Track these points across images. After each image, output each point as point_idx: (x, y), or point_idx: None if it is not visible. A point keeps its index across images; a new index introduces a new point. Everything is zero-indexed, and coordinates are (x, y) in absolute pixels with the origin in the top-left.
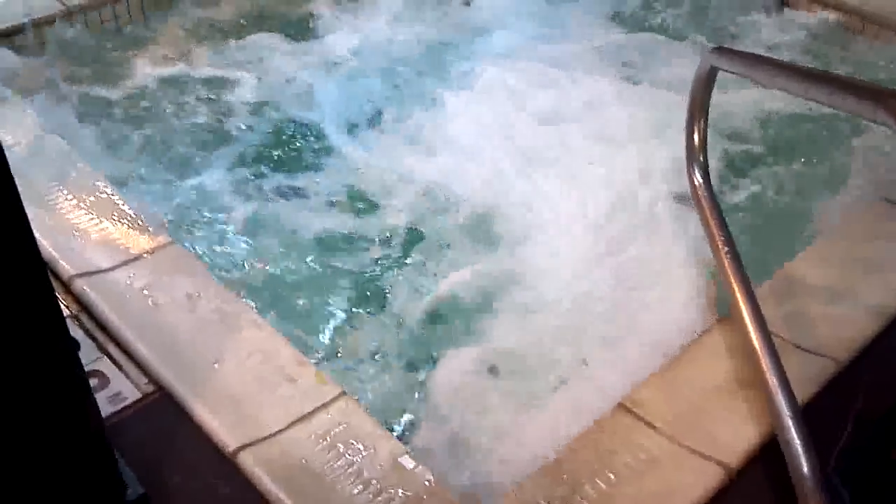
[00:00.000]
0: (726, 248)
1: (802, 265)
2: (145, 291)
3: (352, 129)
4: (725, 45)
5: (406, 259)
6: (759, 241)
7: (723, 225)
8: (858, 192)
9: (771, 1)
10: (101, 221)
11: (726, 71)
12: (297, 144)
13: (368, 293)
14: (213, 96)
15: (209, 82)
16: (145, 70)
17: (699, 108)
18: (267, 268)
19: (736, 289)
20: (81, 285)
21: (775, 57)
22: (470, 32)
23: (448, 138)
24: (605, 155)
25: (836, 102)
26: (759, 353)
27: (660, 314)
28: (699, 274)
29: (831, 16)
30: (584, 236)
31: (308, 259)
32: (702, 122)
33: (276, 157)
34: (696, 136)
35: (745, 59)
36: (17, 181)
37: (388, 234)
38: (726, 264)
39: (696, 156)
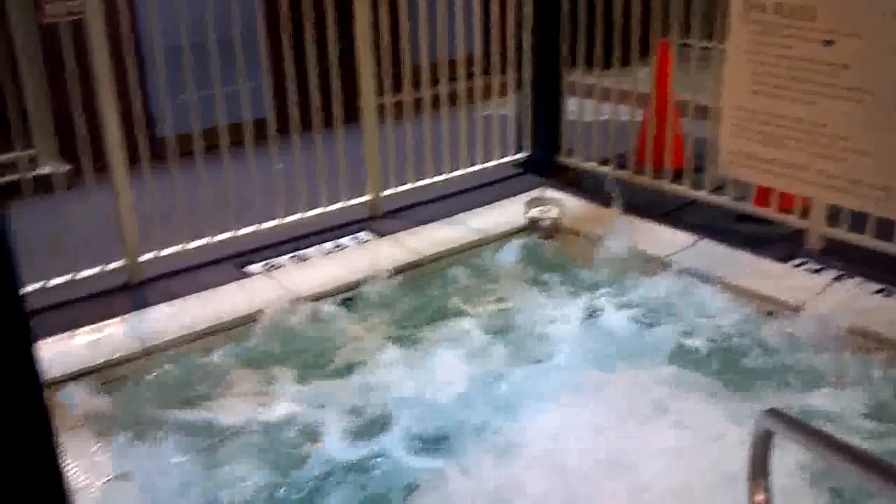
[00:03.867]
0: None
1: None
2: None
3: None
4: (781, 409)
5: None
6: None
7: None
8: None
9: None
10: None
11: (781, 436)
12: None
13: None
14: (294, 438)
15: (272, 412)
16: (216, 402)
17: (760, 469)
18: None
19: None
20: None
21: (833, 434)
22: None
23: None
24: None
25: None
26: None
27: None
28: None
29: None
30: None
31: None
32: (763, 483)
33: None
34: (759, 498)
35: (801, 428)
36: None
37: None
38: None
39: None
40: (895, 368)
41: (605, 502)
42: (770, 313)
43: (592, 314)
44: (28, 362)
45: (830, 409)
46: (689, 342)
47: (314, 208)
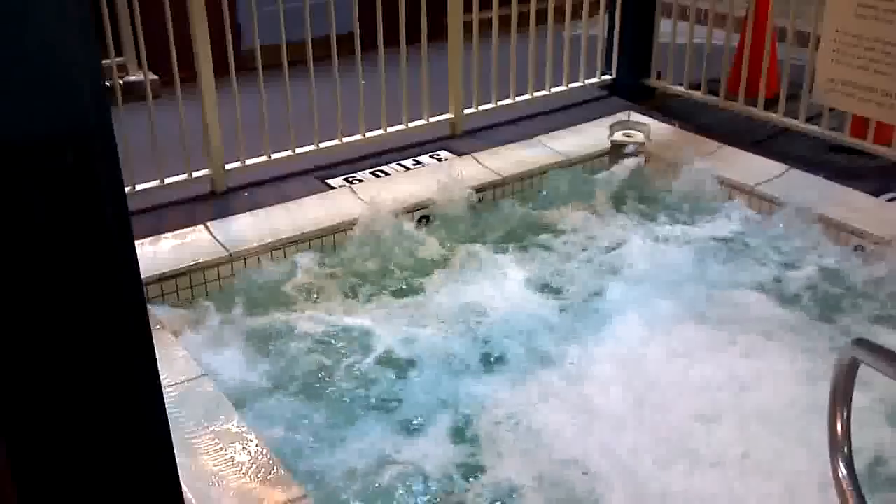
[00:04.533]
0: None
1: None
2: None
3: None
4: (868, 338)
5: None
6: None
7: None
8: None
9: None
10: (239, 469)
11: (868, 365)
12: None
13: None
14: (363, 346)
15: (359, 331)
16: (295, 309)
17: (841, 399)
18: None
19: None
20: None
21: None
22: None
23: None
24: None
25: None
26: None
27: None
28: None
29: None
30: None
31: None
32: (844, 413)
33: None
34: (838, 427)
35: (890, 357)
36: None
37: None
38: None
39: (839, 448)
40: None
41: (678, 428)
42: (858, 247)
43: (670, 242)
44: (129, 261)
45: None
46: (769, 272)
47: (395, 125)
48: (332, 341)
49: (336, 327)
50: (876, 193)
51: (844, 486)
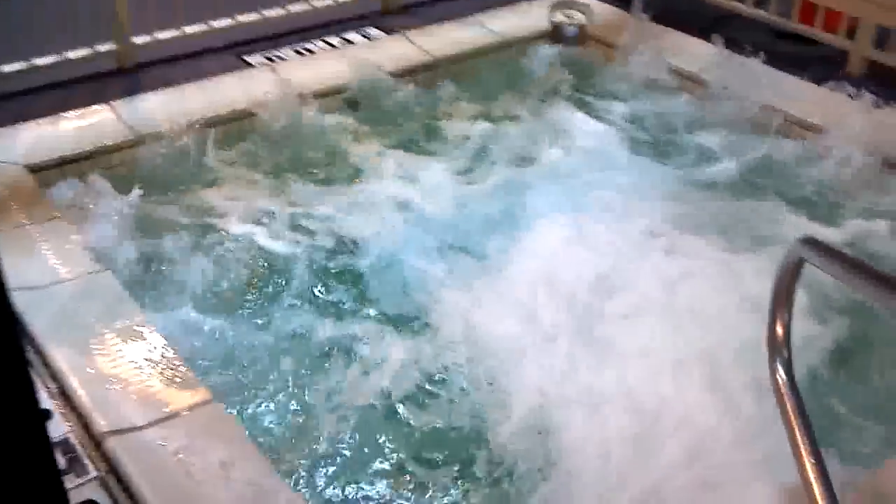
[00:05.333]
0: (810, 453)
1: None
2: (179, 455)
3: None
4: (816, 237)
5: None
6: (848, 443)
7: (807, 427)
8: None
9: None
10: (141, 371)
11: (814, 265)
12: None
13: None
14: (273, 233)
15: (270, 216)
16: (210, 200)
17: (784, 299)
18: (312, 440)
19: (819, 499)
20: (113, 445)
21: (869, 263)
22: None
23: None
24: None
25: None
26: None
27: None
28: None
29: None
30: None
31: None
32: (786, 315)
33: (337, 307)
34: (779, 329)
35: (836, 257)
36: (64, 320)
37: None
38: (809, 471)
39: (779, 350)
40: None
41: (607, 325)
42: (795, 134)
43: (604, 131)
44: None
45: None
46: (704, 161)
47: None
48: (230, 230)
49: (233, 215)
50: (819, 81)
51: (782, 390)
